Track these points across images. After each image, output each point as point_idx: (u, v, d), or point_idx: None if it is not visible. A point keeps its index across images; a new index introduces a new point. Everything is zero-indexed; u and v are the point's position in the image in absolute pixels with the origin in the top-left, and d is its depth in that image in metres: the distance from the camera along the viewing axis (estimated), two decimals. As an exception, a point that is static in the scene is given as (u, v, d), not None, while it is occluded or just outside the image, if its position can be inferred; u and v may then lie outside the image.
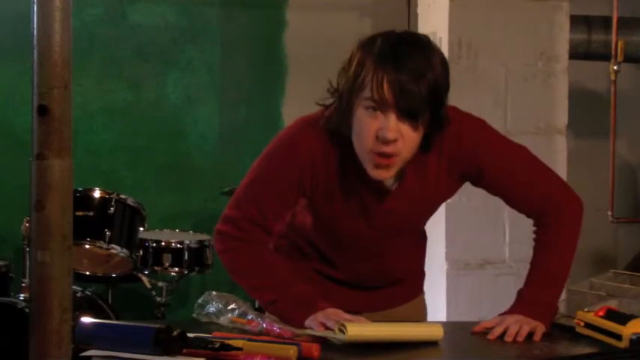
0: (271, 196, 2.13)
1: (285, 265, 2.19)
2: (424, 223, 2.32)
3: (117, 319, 3.99)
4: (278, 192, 2.12)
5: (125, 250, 4.31)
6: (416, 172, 2.11)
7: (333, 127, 2.07)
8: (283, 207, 2.16)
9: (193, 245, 4.40)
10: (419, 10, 3.86)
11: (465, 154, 2.13)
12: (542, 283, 2.17)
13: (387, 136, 1.96)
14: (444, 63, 2.02)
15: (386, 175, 2.04)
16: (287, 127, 2.19)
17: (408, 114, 1.95)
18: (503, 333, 2.04)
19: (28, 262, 3.90)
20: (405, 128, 1.97)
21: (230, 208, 2.17)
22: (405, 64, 1.95)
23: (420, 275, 2.42)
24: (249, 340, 1.84)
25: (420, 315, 2.40)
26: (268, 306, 2.15)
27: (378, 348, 1.92)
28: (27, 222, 3.96)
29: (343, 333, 1.89)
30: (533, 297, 2.14)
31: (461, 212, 3.52)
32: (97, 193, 4.30)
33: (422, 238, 2.38)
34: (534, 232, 2.23)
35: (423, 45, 2.01)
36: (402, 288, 2.34)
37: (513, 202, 2.23)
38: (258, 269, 2.15)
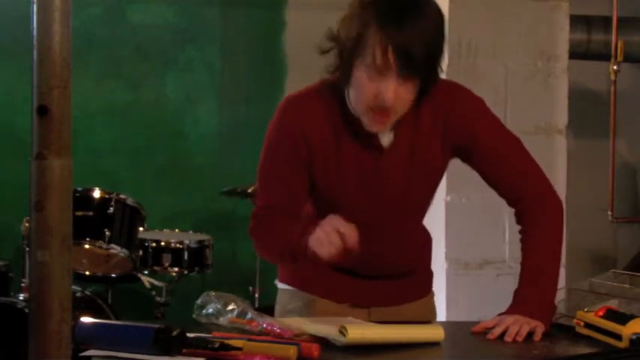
0: (277, 181, 2.17)
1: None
2: (422, 201, 2.30)
3: (117, 319, 3.99)
4: (282, 175, 2.16)
5: (125, 250, 4.31)
6: (409, 133, 2.15)
7: (331, 84, 2.12)
8: (293, 187, 2.17)
9: (193, 245, 4.41)
10: (419, 10, 3.85)
11: (461, 123, 2.17)
12: (537, 282, 2.17)
13: (386, 99, 2.00)
14: (441, 17, 2.06)
15: (382, 129, 2.10)
16: (276, 111, 2.25)
17: (407, 76, 2.00)
18: (503, 333, 2.04)
19: (27, 262, 3.90)
20: (402, 89, 2.01)
21: (254, 204, 2.26)
22: (408, 25, 1.97)
23: (428, 273, 2.42)
24: (249, 340, 1.84)
25: (429, 315, 2.40)
26: (296, 260, 2.13)
27: (378, 348, 1.92)
28: (27, 222, 3.96)
29: (344, 335, 1.88)
30: (530, 297, 2.14)
31: (461, 212, 3.52)
32: (96, 193, 4.30)
33: (426, 236, 2.39)
34: (520, 230, 2.24)
35: (424, 3, 2.04)
36: (410, 283, 2.33)
37: (498, 183, 2.24)
38: (275, 239, 2.18)
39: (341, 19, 2.10)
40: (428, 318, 2.36)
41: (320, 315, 2.19)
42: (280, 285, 2.37)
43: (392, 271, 2.29)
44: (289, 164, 2.15)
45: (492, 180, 2.24)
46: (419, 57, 1.98)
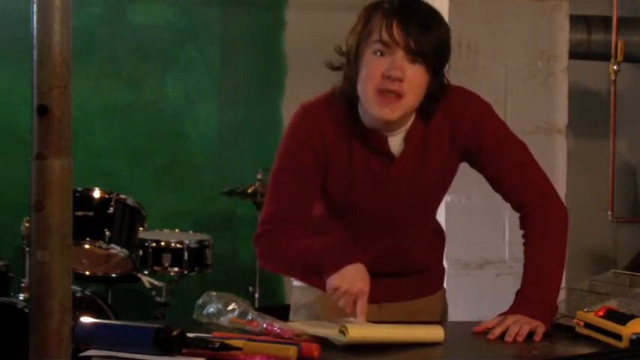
0: (293, 186, 2.17)
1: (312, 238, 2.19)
2: (433, 203, 2.31)
3: (117, 319, 3.99)
4: (298, 180, 2.16)
5: (125, 250, 4.31)
6: (419, 140, 2.16)
7: (342, 91, 2.13)
8: (307, 192, 2.18)
9: (193, 245, 4.41)
10: (419, 10, 3.85)
11: (468, 128, 2.18)
12: (539, 283, 2.17)
13: (393, 73, 2.02)
14: (448, 28, 2.11)
15: (391, 116, 2.07)
16: (292, 117, 2.23)
17: (415, 54, 2.02)
18: (504, 333, 2.04)
19: (27, 262, 3.90)
20: (411, 71, 2.03)
21: (262, 211, 2.23)
22: (415, 14, 2.05)
23: (439, 269, 2.42)
24: (249, 340, 1.84)
25: (440, 310, 2.40)
26: (307, 275, 2.16)
27: (379, 348, 1.92)
28: (27, 222, 3.96)
29: (344, 335, 1.88)
30: (532, 297, 2.14)
31: (461, 212, 3.52)
32: (96, 193, 4.30)
33: (439, 232, 2.40)
34: (523, 235, 2.25)
35: (432, 8, 2.12)
36: (422, 279, 2.33)
37: (503, 186, 2.25)
38: (287, 250, 2.16)
39: (348, 32, 2.13)
40: (438, 313, 2.37)
41: (330, 309, 2.19)
42: (295, 282, 2.38)
43: (404, 269, 2.29)
44: (307, 168, 2.16)
45: (497, 185, 2.25)
46: (424, 39, 2.02)
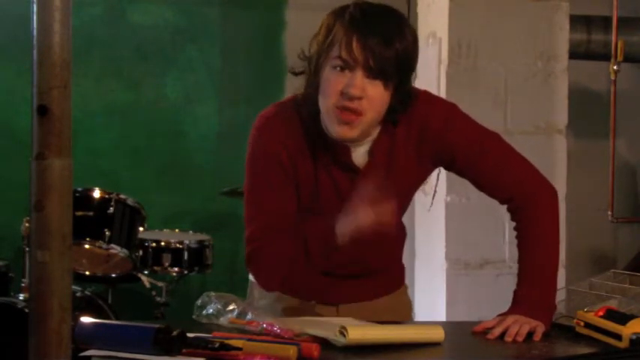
0: (272, 198, 2.12)
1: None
2: (399, 212, 2.27)
3: (117, 319, 3.99)
4: (275, 192, 2.12)
5: (125, 250, 4.31)
6: (384, 151, 2.12)
7: (303, 101, 2.10)
8: (288, 203, 2.13)
9: (193, 245, 4.41)
10: (419, 10, 3.86)
11: (435, 136, 2.14)
12: (535, 282, 2.16)
13: (351, 92, 1.98)
14: (414, 37, 2.05)
15: (350, 134, 2.03)
16: (252, 130, 2.18)
17: (375, 73, 1.98)
18: (503, 333, 2.04)
19: (27, 262, 3.90)
20: (371, 88, 1.99)
21: (246, 229, 2.19)
22: (376, 27, 1.99)
23: (400, 267, 2.40)
24: (249, 340, 1.83)
25: (402, 308, 2.38)
26: None
27: (379, 348, 1.92)
28: (27, 222, 3.96)
29: (344, 336, 1.88)
30: (530, 297, 2.14)
31: (461, 212, 3.52)
32: (96, 193, 4.30)
33: (401, 230, 2.35)
34: (515, 227, 2.23)
35: (396, 16, 2.05)
36: (381, 278, 2.30)
37: (486, 186, 2.22)
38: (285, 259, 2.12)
39: (311, 37, 2.09)
40: (401, 311, 2.34)
41: (289, 311, 2.20)
42: (252, 278, 2.34)
43: (364, 271, 2.27)
44: (278, 179, 2.11)
45: (479, 184, 2.23)
46: (385, 56, 1.97)
